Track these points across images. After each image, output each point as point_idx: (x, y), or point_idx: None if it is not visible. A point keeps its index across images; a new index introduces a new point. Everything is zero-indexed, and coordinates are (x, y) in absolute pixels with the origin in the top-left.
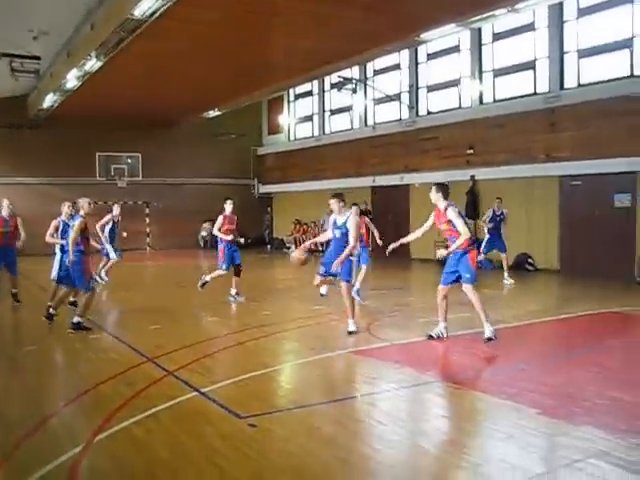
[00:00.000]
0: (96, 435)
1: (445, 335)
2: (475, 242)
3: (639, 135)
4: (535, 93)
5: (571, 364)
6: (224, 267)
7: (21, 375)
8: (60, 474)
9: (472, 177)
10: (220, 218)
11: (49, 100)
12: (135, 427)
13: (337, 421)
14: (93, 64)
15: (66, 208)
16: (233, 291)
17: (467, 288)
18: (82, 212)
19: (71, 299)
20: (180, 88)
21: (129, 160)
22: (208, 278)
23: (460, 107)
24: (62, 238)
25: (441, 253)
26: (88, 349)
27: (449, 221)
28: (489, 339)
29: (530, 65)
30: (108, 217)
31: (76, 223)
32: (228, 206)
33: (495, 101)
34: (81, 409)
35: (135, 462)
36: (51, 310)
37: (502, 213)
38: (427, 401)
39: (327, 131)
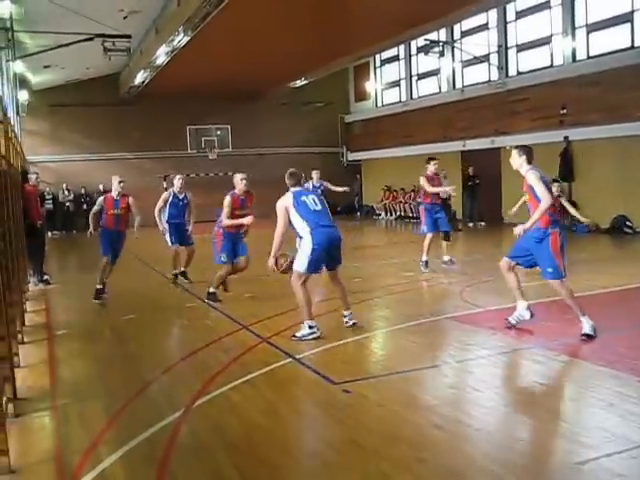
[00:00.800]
0: (195, 400)
1: (528, 317)
2: (558, 223)
3: None
4: (632, 47)
5: None
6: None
7: (122, 343)
8: (163, 437)
9: (566, 138)
10: (423, 179)
11: (140, 77)
12: (232, 393)
13: (432, 387)
14: (181, 39)
15: (176, 181)
16: (446, 257)
17: (554, 284)
18: (236, 189)
19: (181, 269)
20: (266, 59)
21: (219, 132)
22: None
23: (552, 66)
24: (170, 210)
25: (518, 230)
26: (184, 317)
27: (530, 187)
28: (587, 336)
29: (627, 18)
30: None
31: (226, 199)
32: (431, 167)
33: (589, 58)
34: (180, 375)
35: (233, 427)
36: (210, 289)
37: None
38: (523, 368)
39: (415, 96)
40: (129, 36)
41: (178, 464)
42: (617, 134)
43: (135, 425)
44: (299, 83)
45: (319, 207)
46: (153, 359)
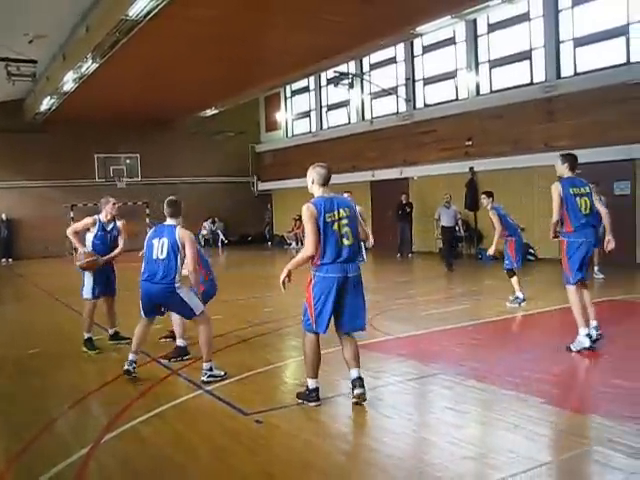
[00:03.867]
0: (103, 435)
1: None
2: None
3: (636, 122)
4: (532, 83)
5: (575, 353)
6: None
7: (26, 377)
8: (69, 475)
9: (471, 169)
10: None
11: (46, 103)
12: (142, 426)
13: (343, 415)
14: (89, 66)
15: (109, 206)
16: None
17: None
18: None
19: (113, 330)
20: (177, 87)
21: (127, 161)
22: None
23: (457, 99)
24: (95, 243)
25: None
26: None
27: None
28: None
29: (526, 55)
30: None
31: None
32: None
33: (492, 92)
34: (87, 410)
35: (143, 461)
36: None
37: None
38: (432, 393)
39: (324, 127)
40: (35, 61)
41: None
42: (520, 165)
43: (39, 464)
44: (210, 112)
45: None
46: (59, 394)
